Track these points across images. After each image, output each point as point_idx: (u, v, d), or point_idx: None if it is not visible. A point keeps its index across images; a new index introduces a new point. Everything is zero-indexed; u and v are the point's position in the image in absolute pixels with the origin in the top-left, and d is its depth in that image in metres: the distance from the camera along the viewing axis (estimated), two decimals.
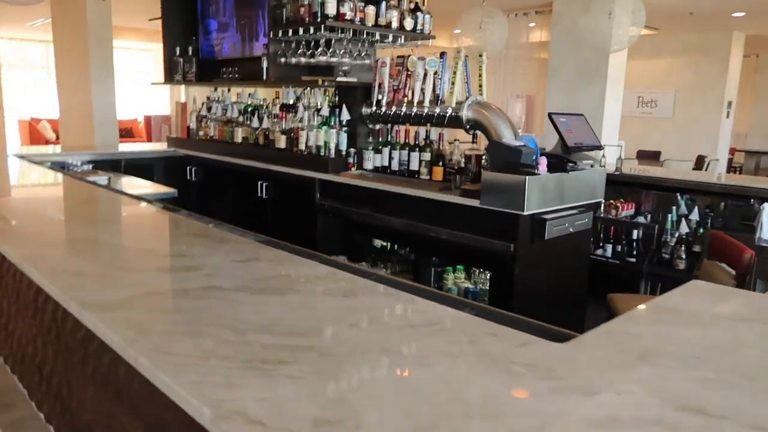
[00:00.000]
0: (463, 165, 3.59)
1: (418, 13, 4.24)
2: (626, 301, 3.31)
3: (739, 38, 9.30)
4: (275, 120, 4.56)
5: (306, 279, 1.72)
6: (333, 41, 4.00)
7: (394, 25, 4.13)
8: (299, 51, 4.15)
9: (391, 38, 4.15)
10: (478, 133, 3.60)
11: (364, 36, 4.04)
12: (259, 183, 4.59)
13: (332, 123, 4.08)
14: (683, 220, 4.31)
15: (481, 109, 3.53)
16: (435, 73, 3.66)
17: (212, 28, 5.22)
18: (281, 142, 4.44)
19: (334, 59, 3.98)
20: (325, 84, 3.86)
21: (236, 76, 4.95)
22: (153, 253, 1.97)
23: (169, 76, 5.49)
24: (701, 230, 4.26)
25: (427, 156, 3.78)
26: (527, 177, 2.94)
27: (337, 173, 4.06)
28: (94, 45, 7.42)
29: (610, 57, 6.79)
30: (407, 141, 3.93)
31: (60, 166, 4.50)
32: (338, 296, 1.56)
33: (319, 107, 4.27)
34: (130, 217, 2.70)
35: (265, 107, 4.90)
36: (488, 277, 3.36)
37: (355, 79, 4.06)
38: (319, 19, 3.89)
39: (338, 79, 3.97)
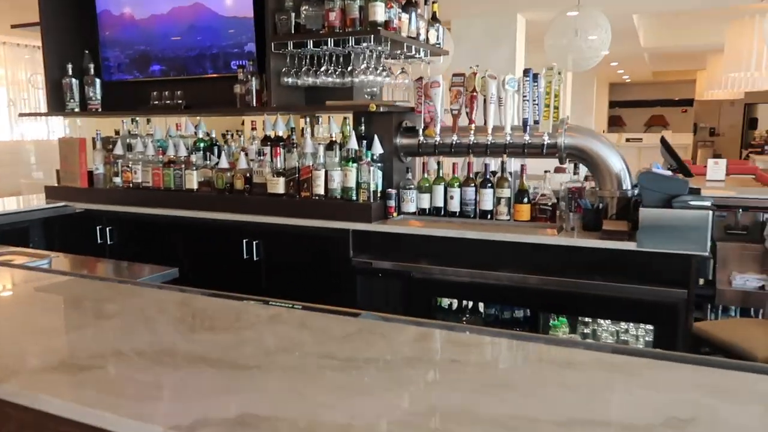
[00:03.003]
0: (560, 200, 3.06)
1: (438, 24, 3.59)
2: (722, 327, 3.08)
3: None
4: (259, 158, 3.49)
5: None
6: (379, 55, 3.13)
7: (422, 36, 3.43)
8: (322, 69, 3.19)
9: (423, 53, 3.43)
10: (571, 162, 3.11)
11: (404, 49, 3.26)
12: (244, 241, 3.47)
13: (364, 159, 3.21)
14: None
15: (578, 134, 3.04)
16: (515, 93, 3.07)
17: (127, 37, 3.85)
18: (278, 187, 3.40)
19: (378, 78, 3.12)
20: (380, 109, 2.99)
21: (180, 101, 3.72)
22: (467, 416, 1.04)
23: (57, 105, 3.95)
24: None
25: (505, 192, 3.16)
26: (709, 212, 2.53)
27: (378, 221, 3.22)
28: None
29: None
30: (470, 175, 3.25)
31: None
32: None
33: (335, 139, 3.36)
34: (272, 329, 1.52)
35: (224, 142, 3.76)
36: (651, 332, 2.85)
37: (410, 102, 3.25)
38: (359, 27, 3.02)
39: (397, 102, 3.12)
